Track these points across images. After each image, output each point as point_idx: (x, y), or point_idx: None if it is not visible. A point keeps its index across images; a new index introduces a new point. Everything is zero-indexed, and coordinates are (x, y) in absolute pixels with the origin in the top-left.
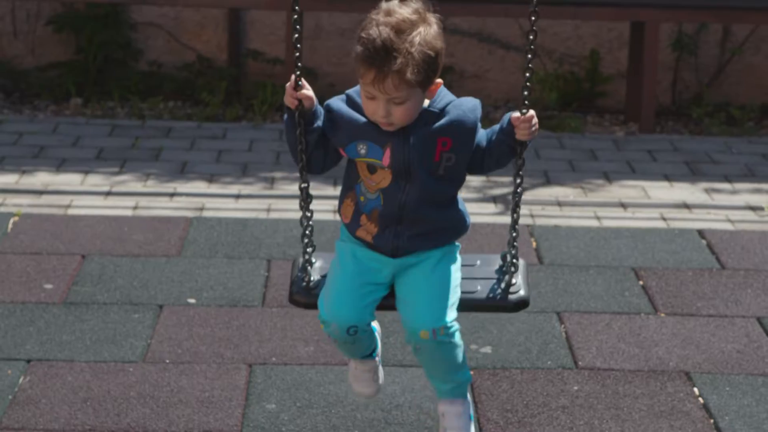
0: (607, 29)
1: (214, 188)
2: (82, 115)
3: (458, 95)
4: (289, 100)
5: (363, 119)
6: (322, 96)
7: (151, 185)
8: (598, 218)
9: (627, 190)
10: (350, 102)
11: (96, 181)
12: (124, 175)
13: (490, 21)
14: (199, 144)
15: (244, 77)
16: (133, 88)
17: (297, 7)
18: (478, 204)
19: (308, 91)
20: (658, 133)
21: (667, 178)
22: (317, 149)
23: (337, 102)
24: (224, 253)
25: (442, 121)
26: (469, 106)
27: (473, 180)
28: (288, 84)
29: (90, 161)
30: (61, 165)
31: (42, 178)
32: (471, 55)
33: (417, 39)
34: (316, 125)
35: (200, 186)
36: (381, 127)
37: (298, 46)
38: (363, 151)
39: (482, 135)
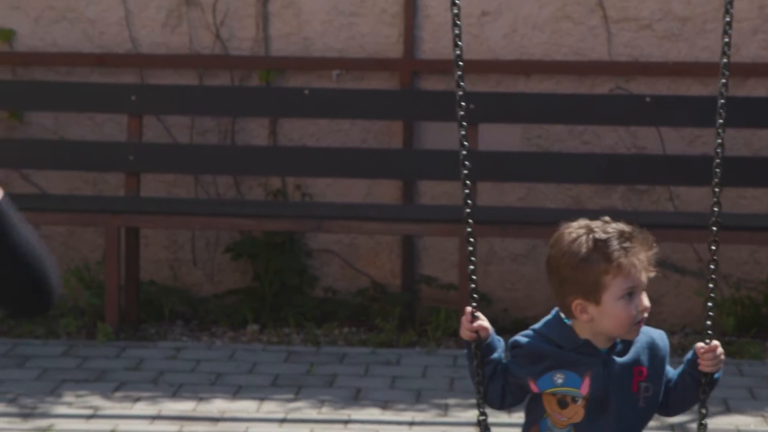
0: None
1: (388, 415)
2: (258, 341)
3: None
4: (465, 333)
5: (560, 348)
6: (495, 320)
7: (326, 412)
8: None
9: None
10: (538, 336)
11: (271, 408)
12: (299, 402)
13: (665, 246)
14: (373, 370)
15: (418, 303)
16: (308, 315)
17: (471, 239)
18: None
19: (484, 322)
20: None
21: None
22: (494, 381)
23: (525, 338)
24: None
25: (636, 347)
26: (658, 333)
27: None
28: (464, 317)
29: (265, 388)
30: (237, 392)
31: (218, 405)
32: None
33: None
34: (493, 357)
35: (374, 413)
36: (585, 353)
37: (473, 277)
38: (560, 381)
39: (669, 369)
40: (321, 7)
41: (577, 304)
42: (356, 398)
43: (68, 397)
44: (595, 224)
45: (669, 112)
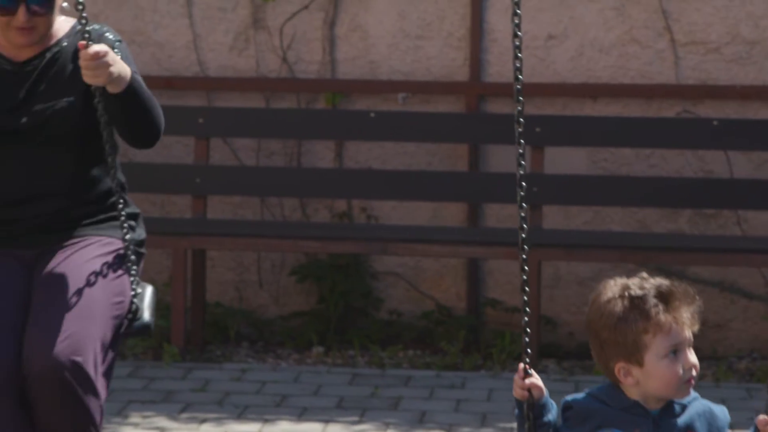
0: None
1: None
2: (323, 363)
3: (700, 345)
4: (517, 392)
5: (611, 408)
6: (560, 344)
7: None
8: None
9: None
10: (589, 396)
11: (336, 430)
12: (364, 424)
13: (732, 270)
14: (438, 393)
15: (483, 326)
16: (373, 337)
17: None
18: None
19: (538, 380)
20: None
21: None
22: None
23: (575, 398)
24: None
25: (691, 412)
26: (719, 407)
27: None
28: (516, 374)
29: (330, 410)
30: (302, 414)
31: (284, 427)
32: (712, 305)
33: None
34: (546, 419)
35: None
36: (635, 414)
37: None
38: None
39: None
40: (387, 30)
41: (620, 367)
42: (421, 421)
43: (135, 418)
44: (632, 281)
45: (737, 135)
